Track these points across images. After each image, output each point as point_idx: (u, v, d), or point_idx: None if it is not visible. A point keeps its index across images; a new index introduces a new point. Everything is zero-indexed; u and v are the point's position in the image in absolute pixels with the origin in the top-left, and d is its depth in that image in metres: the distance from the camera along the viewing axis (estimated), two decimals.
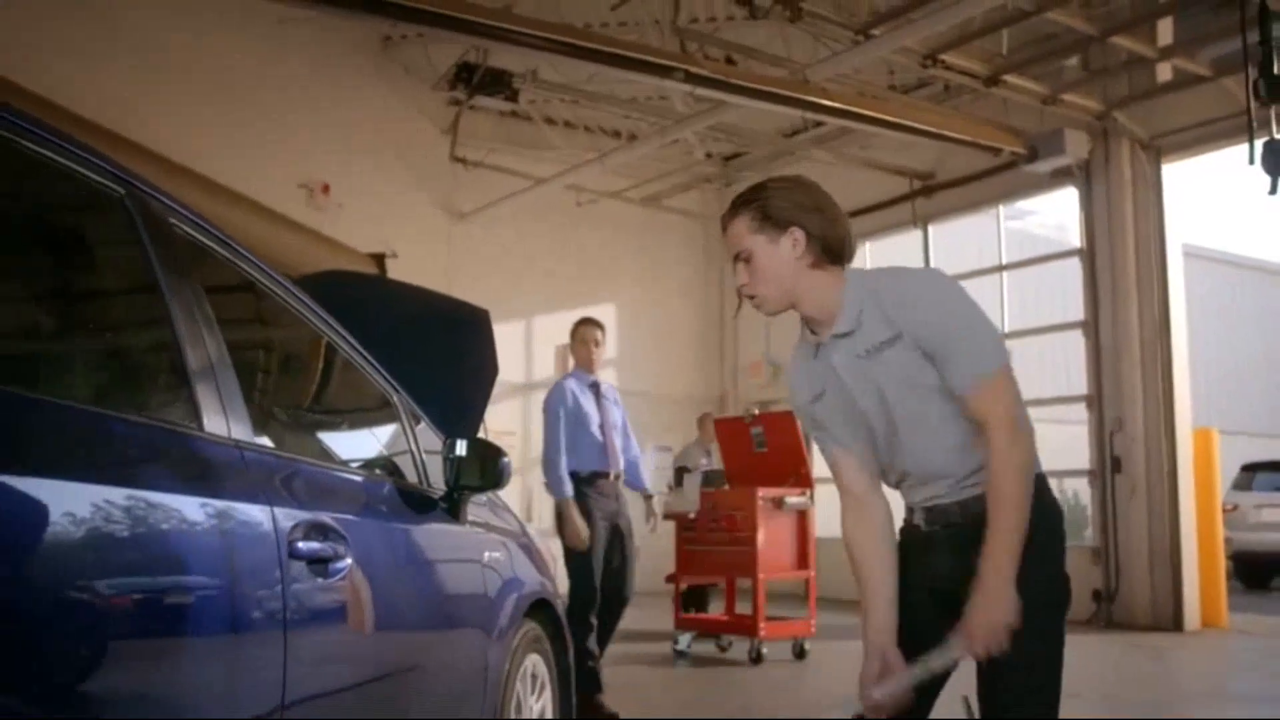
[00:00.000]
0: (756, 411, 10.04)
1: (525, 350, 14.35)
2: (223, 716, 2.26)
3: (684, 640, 9.10)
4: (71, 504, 1.87)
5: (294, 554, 2.52)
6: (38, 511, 1.80)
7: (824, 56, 10.39)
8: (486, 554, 3.88)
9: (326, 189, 12.51)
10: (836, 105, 10.63)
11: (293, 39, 11.85)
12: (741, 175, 15.62)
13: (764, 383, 14.87)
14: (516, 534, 4.35)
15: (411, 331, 4.24)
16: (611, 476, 6.77)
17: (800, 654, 8.78)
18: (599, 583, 6.61)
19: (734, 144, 14.89)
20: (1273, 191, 6.78)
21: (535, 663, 4.28)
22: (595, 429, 6.75)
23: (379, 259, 11.92)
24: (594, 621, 6.56)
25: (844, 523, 2.89)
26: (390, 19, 9.12)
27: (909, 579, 2.81)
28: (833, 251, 2.74)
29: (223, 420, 2.44)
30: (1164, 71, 11.00)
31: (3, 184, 2.15)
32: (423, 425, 3.78)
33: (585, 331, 6.96)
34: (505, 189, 13.86)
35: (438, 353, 4.39)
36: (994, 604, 2.54)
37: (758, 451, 9.33)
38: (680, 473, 10.03)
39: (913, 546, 2.82)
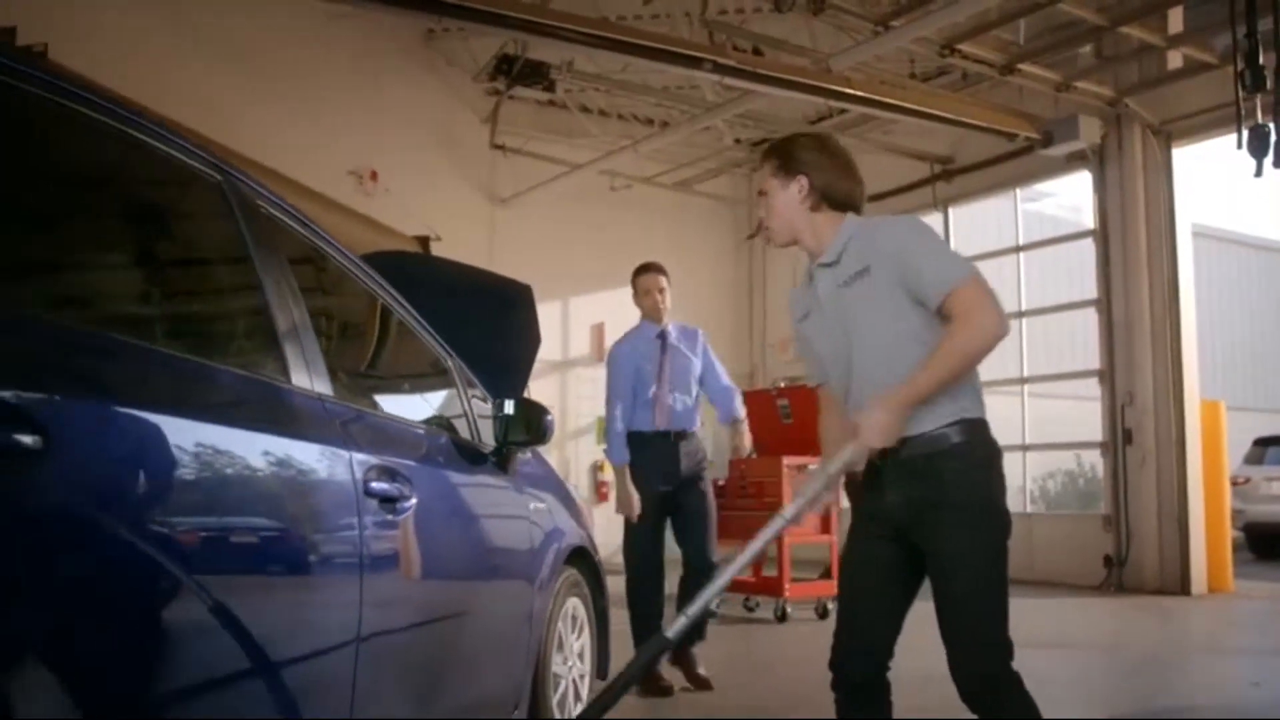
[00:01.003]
0: (783, 385, 10.25)
1: (562, 329, 14.60)
2: (309, 638, 2.57)
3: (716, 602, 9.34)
4: (185, 437, 2.18)
5: (368, 492, 2.82)
6: (160, 440, 2.12)
7: (846, 47, 10.51)
8: (532, 504, 4.18)
9: (375, 175, 12.78)
10: (858, 93, 10.79)
11: (341, 34, 12.14)
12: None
13: (791, 359, 15.05)
14: (557, 488, 4.65)
15: (462, 304, 4.50)
16: (671, 436, 6.06)
17: (823, 613, 9.03)
18: (684, 553, 6.12)
19: (762, 130, 15.04)
20: (1258, 174, 7.02)
21: (575, 605, 4.58)
22: (651, 387, 6.08)
23: (424, 242, 12.17)
24: (656, 595, 6.05)
25: (820, 415, 3.41)
26: (436, 14, 9.39)
27: (862, 510, 3.16)
28: (833, 199, 3.14)
29: (306, 376, 2.75)
30: (1174, 59, 11.08)
31: (133, 175, 2.47)
32: (475, 389, 4.08)
33: (642, 280, 6.24)
34: (543, 175, 14.10)
35: (486, 323, 4.67)
36: (891, 409, 2.89)
37: (784, 423, 9.57)
38: None
39: (865, 479, 3.13)
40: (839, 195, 3.15)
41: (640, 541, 6.03)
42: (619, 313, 14.47)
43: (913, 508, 2.98)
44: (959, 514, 2.93)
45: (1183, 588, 10.95)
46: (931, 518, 2.96)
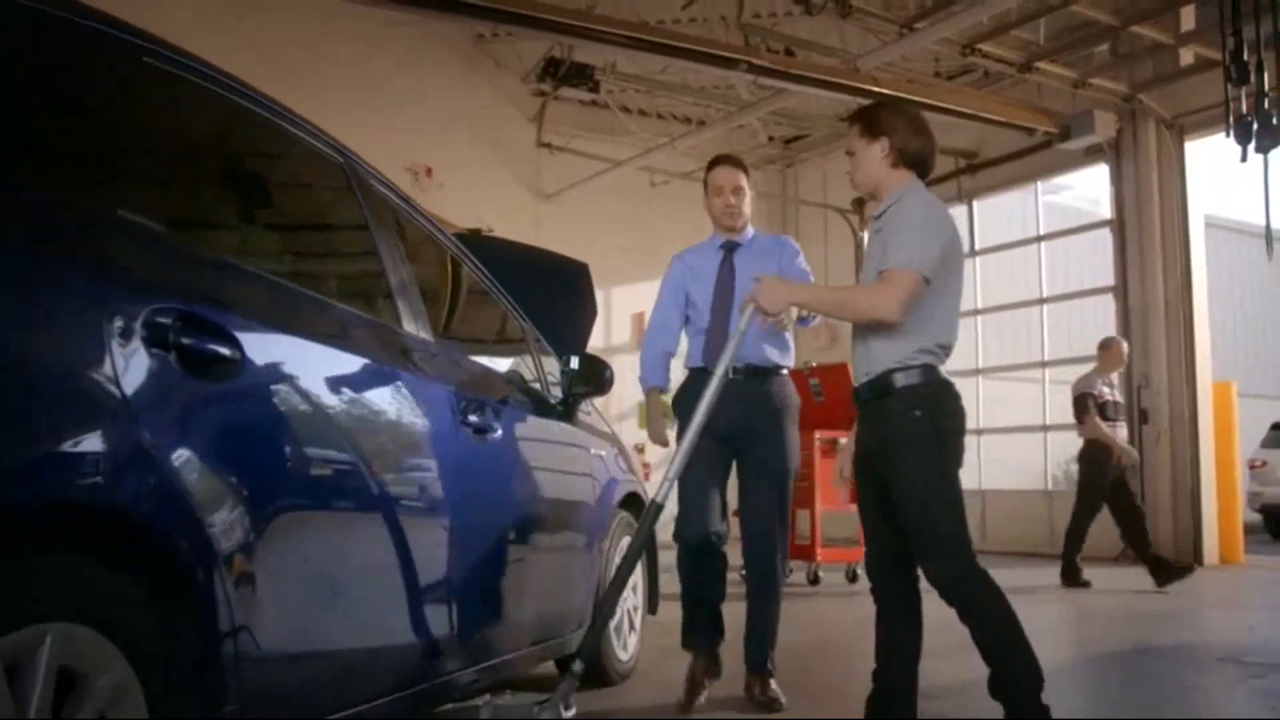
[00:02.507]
0: (814, 365, 10.56)
1: (604, 318, 14.96)
2: (425, 534, 3.06)
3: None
4: (335, 361, 2.71)
5: (464, 422, 3.32)
6: (319, 363, 2.62)
7: (873, 47, 10.88)
8: (593, 449, 4.66)
9: (430, 171, 13.25)
10: (886, 91, 11.07)
11: (398, 41, 12.63)
12: (801, 157, 16.24)
13: (824, 346, 15.36)
14: (613, 439, 5.12)
15: (529, 278, 4.97)
16: (731, 373, 4.04)
17: (852, 578, 9.44)
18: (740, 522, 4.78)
19: (794, 128, 15.43)
20: (1243, 160, 7.44)
21: (627, 543, 5.04)
22: (705, 311, 4.72)
23: (475, 234, 12.63)
24: (704, 567, 4.65)
25: None
26: (491, 20, 9.80)
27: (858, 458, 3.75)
28: (910, 159, 3.67)
29: (414, 324, 3.25)
30: (1185, 56, 11.39)
31: (285, 156, 2.99)
32: (543, 348, 4.56)
33: (714, 176, 4.80)
34: (586, 171, 14.53)
35: (549, 295, 5.15)
36: (786, 285, 3.78)
37: (816, 401, 9.95)
38: (1083, 400, 9.35)
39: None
40: (914, 152, 3.67)
41: (687, 498, 4.53)
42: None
43: (876, 444, 3.55)
44: (900, 448, 3.47)
45: (1195, 559, 11.23)
46: (881, 455, 3.52)
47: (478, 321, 4.31)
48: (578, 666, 3.50)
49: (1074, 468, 20.69)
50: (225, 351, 2.23)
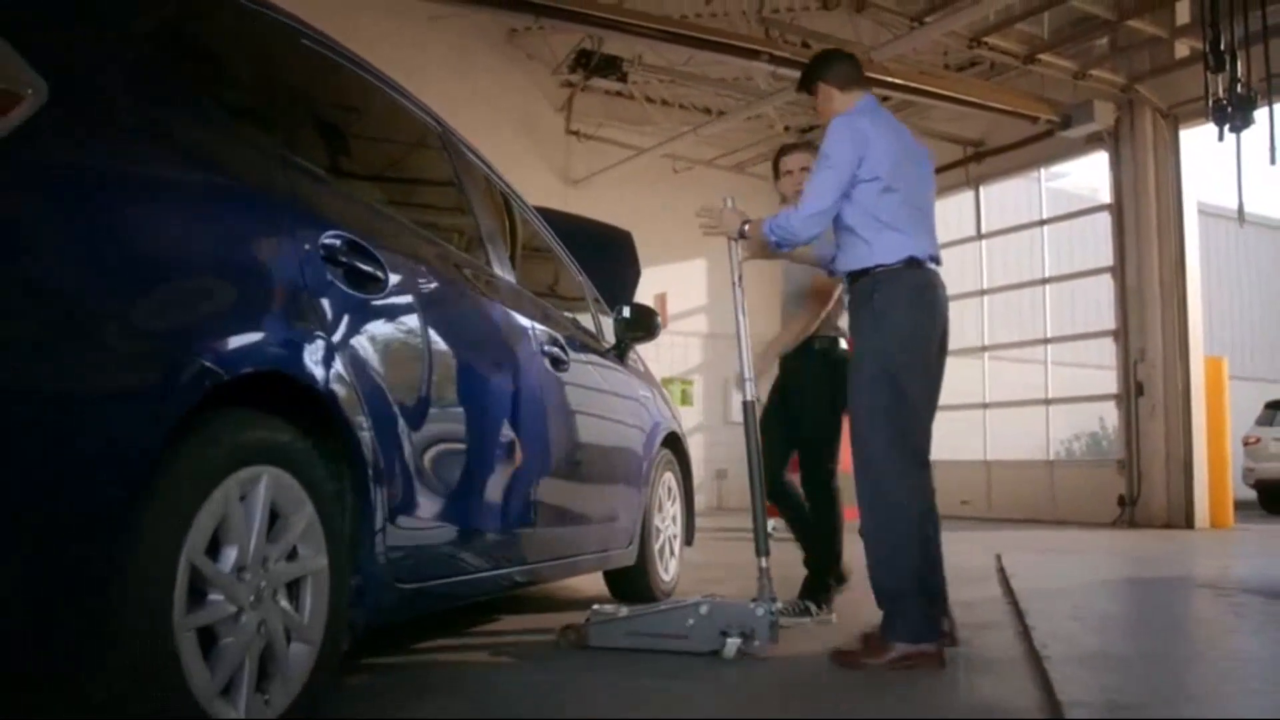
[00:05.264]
0: None
1: None
2: (510, 444, 3.56)
3: (771, 524, 10.24)
4: (451, 290, 3.22)
5: (543, 352, 3.83)
6: (442, 291, 3.15)
7: (886, 40, 11.28)
8: (641, 391, 5.17)
9: None
10: (898, 81, 11.60)
11: (438, 35, 13.09)
12: (816, 144, 16.64)
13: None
14: (657, 385, 5.63)
15: (580, 241, 5.46)
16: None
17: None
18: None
19: (809, 118, 15.82)
20: (1220, 139, 7.96)
21: (669, 479, 5.55)
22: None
23: None
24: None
25: None
26: (532, 14, 10.27)
27: None
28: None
29: (500, 268, 3.76)
30: (1180, 49, 11.81)
31: (395, 127, 3.51)
32: (598, 299, 5.07)
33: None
34: (612, 158, 15.01)
35: (599, 257, 5.66)
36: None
37: None
38: None
39: None
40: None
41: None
42: (683, 283, 15.38)
43: None
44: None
45: (1187, 523, 11.81)
46: None
47: (544, 272, 4.79)
48: (764, 563, 3.91)
49: (1076, 444, 21.28)
50: (376, 272, 2.75)
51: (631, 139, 15.15)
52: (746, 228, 4.08)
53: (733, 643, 3.67)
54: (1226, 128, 8.03)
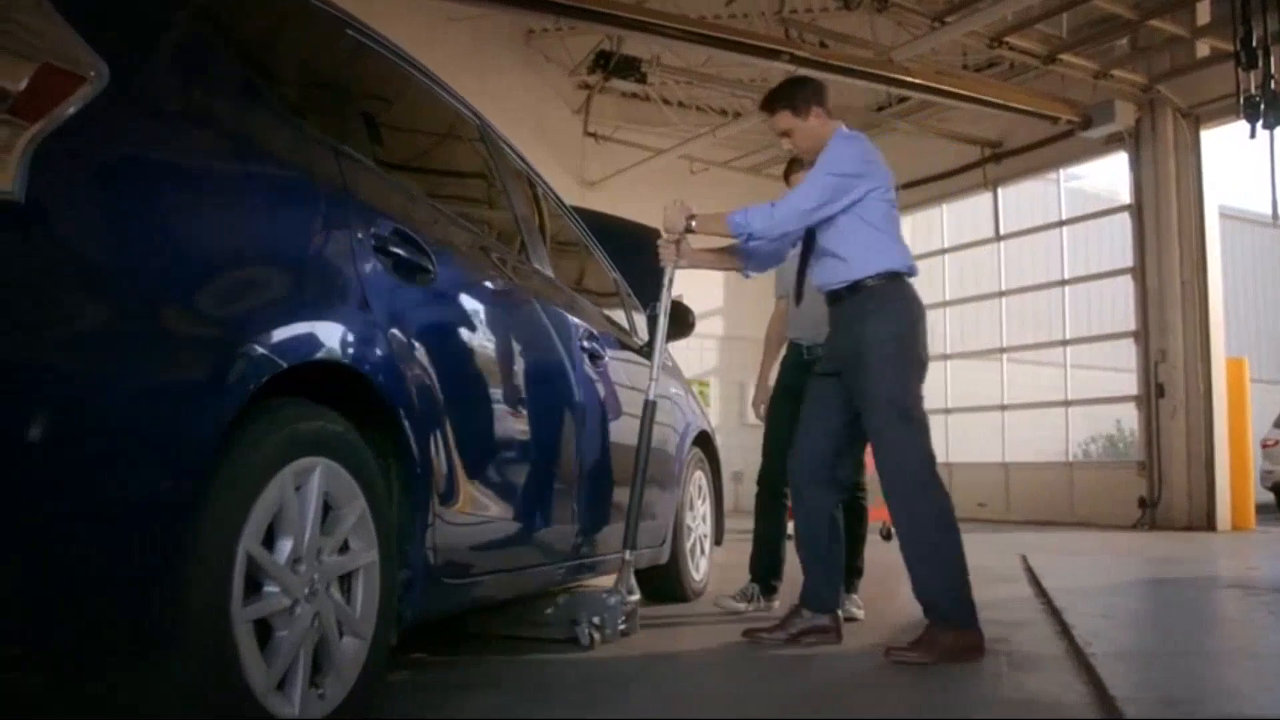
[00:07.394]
0: None
1: None
2: (555, 439, 3.54)
3: (790, 526, 10.19)
4: (490, 284, 3.20)
5: (581, 347, 3.81)
6: (484, 277, 3.12)
7: (905, 40, 11.23)
8: (673, 389, 5.14)
9: None
10: (917, 81, 11.55)
11: (455, 36, 13.08)
12: None
13: None
14: (688, 387, 5.60)
15: (610, 240, 5.44)
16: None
17: (887, 535, 9.85)
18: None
19: None
20: (1252, 136, 7.90)
21: (699, 478, 5.52)
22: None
23: None
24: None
25: None
26: (554, 14, 10.26)
27: None
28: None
29: (538, 262, 3.74)
30: (1201, 48, 11.72)
31: (437, 120, 3.49)
32: (630, 297, 5.04)
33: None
34: (629, 160, 14.97)
35: (627, 254, 5.62)
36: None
37: None
38: None
39: None
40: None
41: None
42: (698, 286, 15.30)
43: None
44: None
45: (1209, 525, 11.69)
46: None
47: (579, 267, 4.77)
48: (629, 555, 3.98)
49: (1092, 446, 21.14)
50: (425, 264, 2.73)
51: (648, 141, 15.11)
52: (694, 223, 4.16)
53: (582, 630, 3.81)
54: (1259, 124, 7.98)
